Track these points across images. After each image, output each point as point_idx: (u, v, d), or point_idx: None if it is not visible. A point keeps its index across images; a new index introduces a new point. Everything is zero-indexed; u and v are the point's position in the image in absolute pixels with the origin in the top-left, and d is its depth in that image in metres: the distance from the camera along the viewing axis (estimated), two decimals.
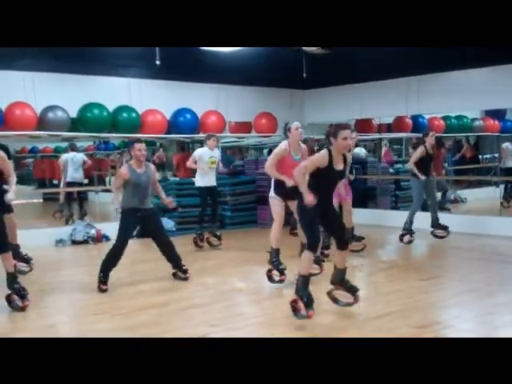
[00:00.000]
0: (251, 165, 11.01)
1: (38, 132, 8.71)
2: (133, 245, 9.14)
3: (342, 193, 7.05)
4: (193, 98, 9.95)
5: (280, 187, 5.94)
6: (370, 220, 9.72)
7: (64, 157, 11.10)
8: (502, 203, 10.84)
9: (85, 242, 9.00)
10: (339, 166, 4.61)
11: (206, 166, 8.11)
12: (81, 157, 11.00)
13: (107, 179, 14.67)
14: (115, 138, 11.35)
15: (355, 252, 7.24)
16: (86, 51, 6.94)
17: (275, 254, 6.05)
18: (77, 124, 8.93)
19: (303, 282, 4.59)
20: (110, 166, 14.63)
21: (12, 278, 5.21)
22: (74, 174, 10.73)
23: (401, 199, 11.31)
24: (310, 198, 4.44)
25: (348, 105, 10.70)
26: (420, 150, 8.05)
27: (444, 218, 8.37)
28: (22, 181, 14.50)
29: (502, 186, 11.50)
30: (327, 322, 4.57)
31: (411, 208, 8.20)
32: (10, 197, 5.23)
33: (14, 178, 5.34)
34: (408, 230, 8.02)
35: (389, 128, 11.98)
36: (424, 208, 8.57)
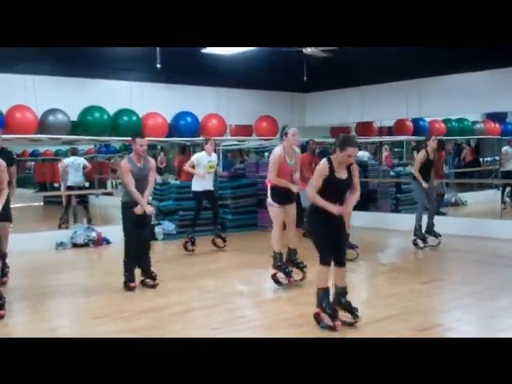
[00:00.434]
0: (252, 168, 11.01)
1: (38, 135, 8.72)
2: None
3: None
4: (193, 101, 9.95)
5: (277, 194, 5.96)
6: (370, 223, 9.73)
7: (65, 161, 11.14)
8: (504, 203, 10.83)
9: (85, 245, 8.98)
10: (342, 175, 4.55)
11: (204, 170, 8.10)
12: (81, 161, 11.02)
13: (108, 182, 14.70)
14: (116, 141, 11.34)
15: (349, 261, 7.14)
16: (87, 54, 6.96)
17: (279, 258, 6.06)
18: (77, 127, 8.93)
19: (324, 295, 4.55)
20: (111, 170, 14.65)
21: None
22: (74, 178, 10.76)
23: (402, 202, 11.29)
24: (336, 210, 4.45)
25: (349, 108, 10.70)
26: (421, 155, 8.04)
27: (444, 220, 8.36)
28: (22, 184, 14.54)
29: (505, 189, 11.52)
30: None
31: (416, 213, 8.12)
32: None
33: (5, 191, 5.16)
34: (419, 235, 7.99)
35: (390, 131, 11.98)
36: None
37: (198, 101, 10.01)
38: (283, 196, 5.95)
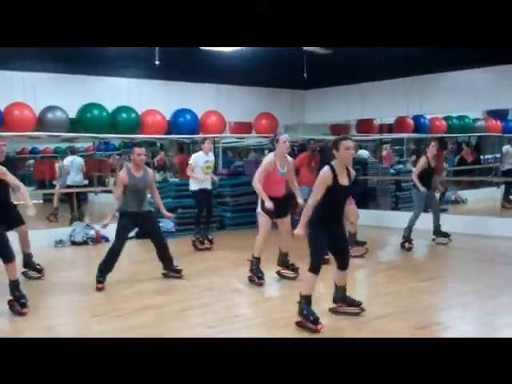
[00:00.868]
0: (251, 166, 10.96)
1: (37, 133, 8.68)
2: (132, 246, 9.16)
3: None
4: (193, 98, 9.91)
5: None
6: (370, 221, 9.67)
7: (65, 161, 11.23)
8: (503, 204, 10.79)
9: (84, 242, 8.97)
10: (344, 182, 4.50)
11: (201, 171, 8.07)
12: (80, 160, 11.15)
13: (107, 180, 14.66)
14: (115, 138, 11.33)
15: (358, 257, 7.14)
16: (86, 52, 6.93)
17: (256, 262, 6.09)
18: (76, 124, 8.89)
19: (306, 302, 4.53)
20: (110, 169, 14.62)
21: (14, 286, 5.18)
22: (74, 177, 10.87)
23: (401, 200, 11.25)
24: (300, 233, 4.48)
25: (349, 105, 10.64)
26: (422, 162, 7.97)
27: (445, 218, 8.33)
28: (22, 182, 14.47)
29: (502, 187, 11.45)
30: (326, 322, 4.51)
31: (411, 217, 8.04)
32: (30, 213, 5.22)
33: (23, 187, 5.33)
34: (407, 238, 7.96)
35: (390, 128, 11.93)
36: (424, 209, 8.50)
37: (197, 98, 9.97)
38: (273, 209, 5.77)
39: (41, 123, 8.48)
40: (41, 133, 8.73)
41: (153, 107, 9.46)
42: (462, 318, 4.92)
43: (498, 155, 12.69)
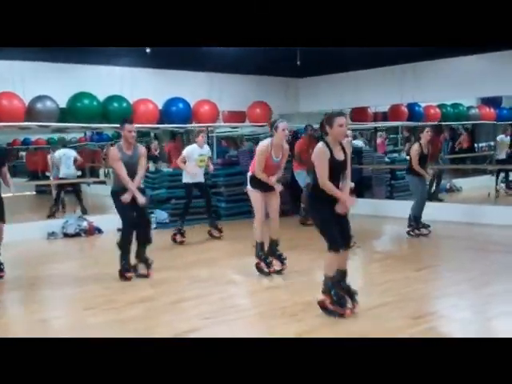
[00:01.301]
0: (245, 155, 10.89)
1: (26, 123, 8.54)
2: None
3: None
4: (185, 87, 9.81)
5: (258, 182, 5.86)
6: (365, 210, 9.63)
7: (56, 154, 11.08)
8: (497, 191, 10.81)
9: (77, 234, 8.88)
10: (340, 157, 4.47)
11: (194, 164, 7.96)
12: (72, 154, 10.97)
13: (100, 171, 14.55)
14: (108, 128, 11.22)
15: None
16: None
17: (260, 247, 6.04)
18: (66, 114, 8.77)
19: (332, 285, 4.47)
20: (103, 159, 14.48)
21: None
22: (66, 170, 10.71)
23: (396, 189, 11.22)
24: (350, 200, 4.43)
25: (343, 93, 10.58)
26: (415, 149, 7.85)
27: (439, 206, 8.32)
28: (14, 173, 14.37)
29: (501, 175, 11.47)
30: (321, 312, 4.49)
31: (413, 205, 7.92)
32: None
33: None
34: (413, 225, 7.87)
35: (385, 117, 11.87)
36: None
37: (189, 87, 9.87)
38: (264, 183, 5.84)
39: (30, 113, 8.35)
40: (30, 123, 8.60)
41: (145, 96, 9.36)
42: (456, 306, 4.90)
43: (492, 143, 12.67)
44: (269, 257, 6.04)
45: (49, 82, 8.51)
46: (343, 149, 4.52)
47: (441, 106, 11.93)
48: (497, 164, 11.27)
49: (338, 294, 4.46)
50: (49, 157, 12.08)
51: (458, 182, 12.63)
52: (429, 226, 7.98)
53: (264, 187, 5.91)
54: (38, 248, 8.15)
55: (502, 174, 11.66)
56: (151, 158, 11.20)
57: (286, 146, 5.99)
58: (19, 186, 12.16)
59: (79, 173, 11.56)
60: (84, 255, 8.13)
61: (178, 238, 8.14)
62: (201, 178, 8.18)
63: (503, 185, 11.80)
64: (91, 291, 5.65)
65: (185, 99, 9.78)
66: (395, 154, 12.51)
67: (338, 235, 4.44)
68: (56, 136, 15.73)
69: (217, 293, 5.46)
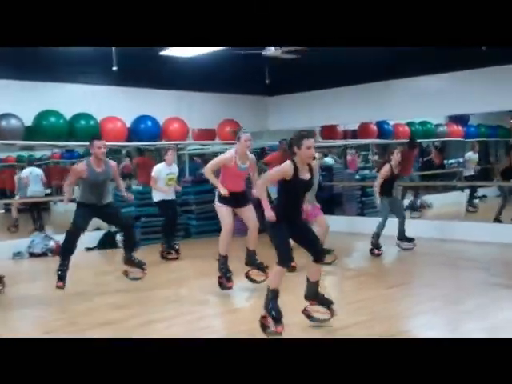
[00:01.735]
0: (216, 173, 10.77)
1: None
2: (94, 256, 8.89)
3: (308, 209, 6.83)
4: (153, 105, 9.71)
5: (224, 198, 5.79)
6: (336, 227, 9.56)
7: (23, 173, 11.16)
8: (467, 208, 10.93)
9: (43, 254, 8.65)
10: (305, 176, 4.50)
11: (163, 183, 7.91)
12: (39, 172, 11.09)
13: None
14: (76, 146, 11.04)
15: (326, 265, 7.03)
16: (41, 57, 6.67)
17: (223, 261, 5.97)
18: (32, 132, 8.58)
19: (272, 296, 4.45)
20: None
21: None
22: (34, 187, 10.77)
23: (367, 205, 11.25)
24: (270, 214, 4.42)
25: (312, 111, 10.61)
26: (385, 170, 7.87)
27: (410, 223, 8.34)
28: None
29: (467, 191, 11.60)
30: (292, 331, 4.39)
31: (378, 224, 7.96)
32: None
33: None
34: (375, 245, 7.89)
35: (354, 134, 11.96)
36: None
37: (158, 104, 9.78)
38: (232, 199, 5.78)
39: None
40: None
41: (113, 114, 9.22)
42: (427, 324, 4.85)
43: (461, 160, 12.87)
44: (229, 271, 5.97)
45: (14, 99, 8.32)
46: (311, 169, 4.56)
47: (409, 124, 12.09)
48: (465, 181, 11.43)
49: (276, 309, 4.42)
50: (15, 177, 12.00)
51: (429, 198, 12.76)
52: (413, 240, 8.04)
53: (232, 202, 5.83)
54: (3, 268, 7.85)
55: (470, 190, 11.78)
56: (122, 174, 11.04)
57: (252, 156, 6.03)
58: None
59: (48, 190, 11.46)
60: (50, 276, 7.84)
61: (166, 255, 8.11)
62: (172, 196, 8.10)
63: (477, 201, 11.93)
64: (55, 313, 5.47)
65: (154, 117, 9.68)
66: (366, 171, 12.59)
67: (290, 251, 4.55)
68: (26, 154, 15.47)
69: (187, 314, 5.31)
